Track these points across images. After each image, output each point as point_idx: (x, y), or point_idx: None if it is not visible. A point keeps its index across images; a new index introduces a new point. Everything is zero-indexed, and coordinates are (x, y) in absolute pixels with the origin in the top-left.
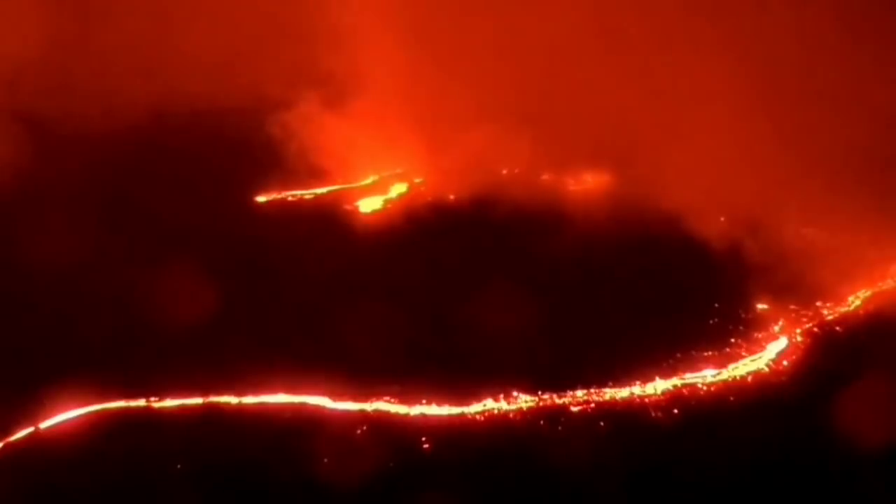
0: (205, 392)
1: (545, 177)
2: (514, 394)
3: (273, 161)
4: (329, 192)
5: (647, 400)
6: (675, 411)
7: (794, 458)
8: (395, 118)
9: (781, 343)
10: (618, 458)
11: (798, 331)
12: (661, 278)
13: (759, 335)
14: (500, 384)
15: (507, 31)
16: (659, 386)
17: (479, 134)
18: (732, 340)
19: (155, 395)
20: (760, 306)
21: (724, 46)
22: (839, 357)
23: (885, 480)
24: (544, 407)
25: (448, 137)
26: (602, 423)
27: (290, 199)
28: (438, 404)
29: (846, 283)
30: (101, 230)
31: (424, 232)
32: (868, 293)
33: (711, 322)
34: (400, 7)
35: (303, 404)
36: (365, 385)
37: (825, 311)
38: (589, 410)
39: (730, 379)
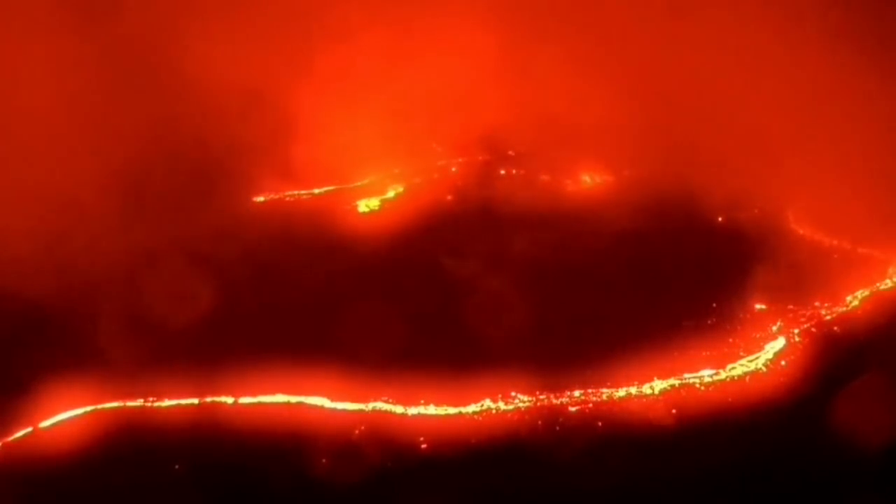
0: (202, 392)
1: (542, 177)
2: (512, 394)
3: (271, 161)
4: (326, 193)
5: (644, 400)
6: (673, 411)
7: (792, 459)
8: (394, 118)
9: (779, 343)
10: (616, 458)
11: (796, 331)
12: (659, 278)
13: (757, 335)
14: (498, 384)
15: (509, 27)
16: (656, 386)
17: (479, 132)
18: (730, 340)
19: (152, 395)
20: (758, 306)
21: (726, 45)
22: (837, 357)
23: (884, 481)
24: (542, 407)
25: (448, 136)
26: (600, 423)
27: (287, 199)
28: (436, 404)
29: (844, 283)
30: (98, 229)
31: (422, 232)
32: (866, 293)
33: (709, 322)
34: (399, 5)
35: (301, 404)
36: (363, 385)
37: (823, 312)
38: (587, 410)
39: (727, 379)
